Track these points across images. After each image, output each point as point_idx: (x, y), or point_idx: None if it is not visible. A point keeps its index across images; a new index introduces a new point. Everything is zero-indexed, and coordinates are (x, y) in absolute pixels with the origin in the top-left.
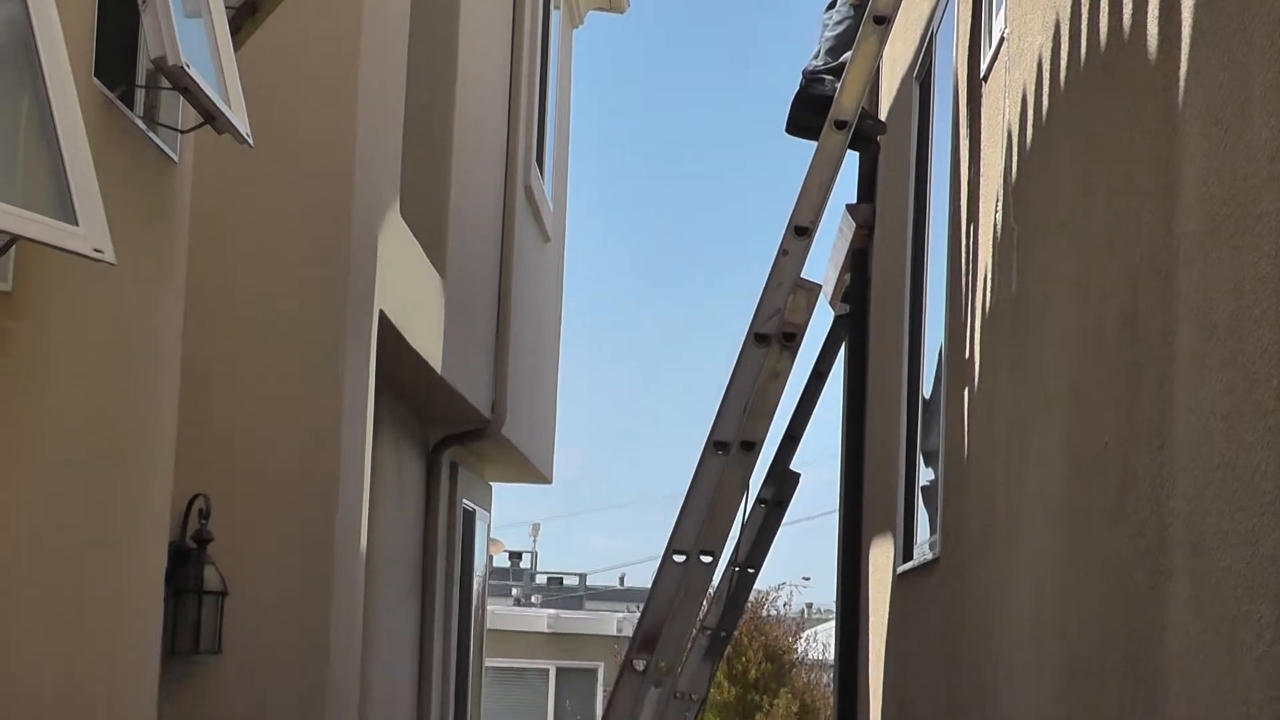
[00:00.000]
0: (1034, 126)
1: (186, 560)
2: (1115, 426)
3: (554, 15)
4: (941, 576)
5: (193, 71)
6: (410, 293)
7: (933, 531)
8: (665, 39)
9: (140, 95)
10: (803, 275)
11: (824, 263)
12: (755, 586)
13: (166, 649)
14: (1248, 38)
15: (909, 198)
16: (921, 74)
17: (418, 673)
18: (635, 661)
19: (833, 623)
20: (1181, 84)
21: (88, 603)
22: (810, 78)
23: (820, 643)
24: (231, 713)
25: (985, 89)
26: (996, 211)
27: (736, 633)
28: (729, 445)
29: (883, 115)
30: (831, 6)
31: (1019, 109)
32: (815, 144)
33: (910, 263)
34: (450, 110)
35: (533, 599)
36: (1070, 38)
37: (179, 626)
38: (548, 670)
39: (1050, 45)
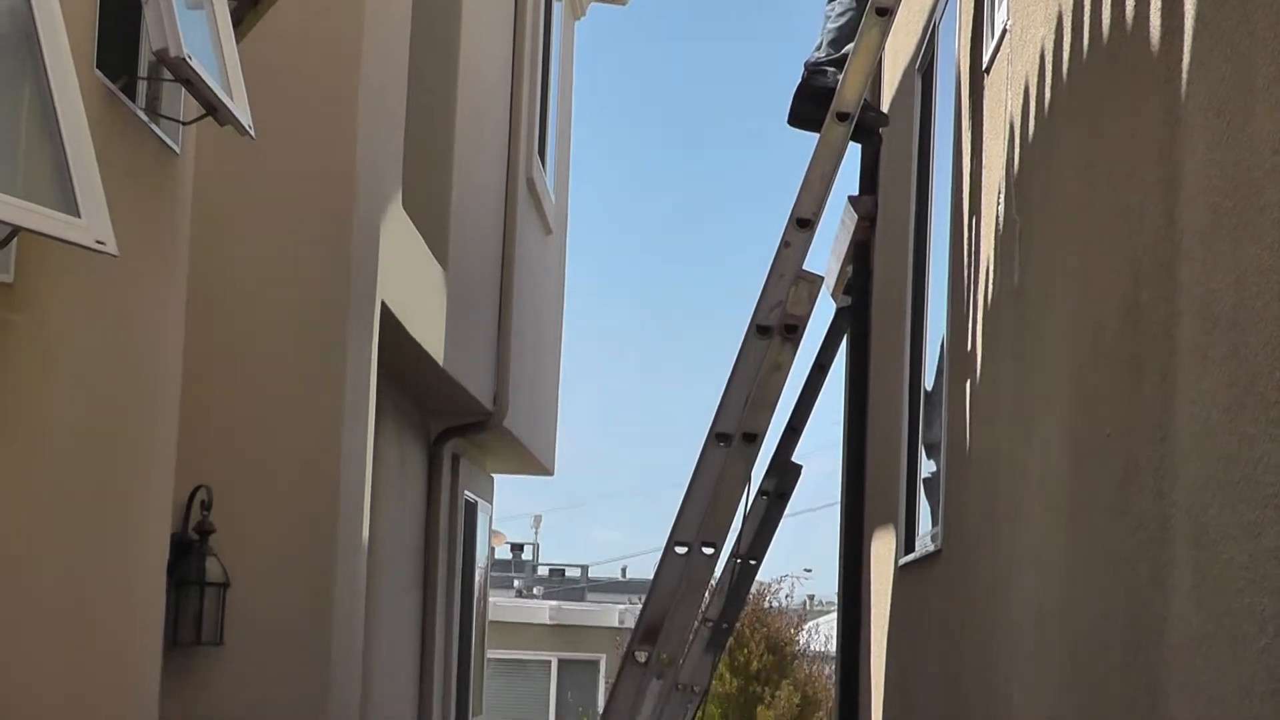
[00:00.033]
0: (1036, 118)
1: (188, 552)
2: (1117, 419)
3: (556, 7)
4: (943, 568)
5: (195, 63)
6: (412, 285)
7: (934, 523)
8: (667, 31)
9: (142, 87)
10: (805, 267)
11: (826, 255)
12: (757, 578)
13: (168, 640)
14: (1250, 30)
15: (911, 190)
16: (924, 66)
17: (419, 664)
18: (637, 653)
19: (834, 615)
20: (1184, 76)
21: (90, 594)
22: (812, 69)
23: (822, 635)
24: (233, 704)
25: (987, 81)
26: (998, 203)
27: (738, 625)
28: (731, 437)
29: (885, 107)
30: None
31: (1021, 101)
32: (817, 136)
33: (912, 255)
34: (452, 102)
35: (534, 591)
36: (1073, 30)
37: (181, 618)
38: (549, 662)
39: (1052, 37)
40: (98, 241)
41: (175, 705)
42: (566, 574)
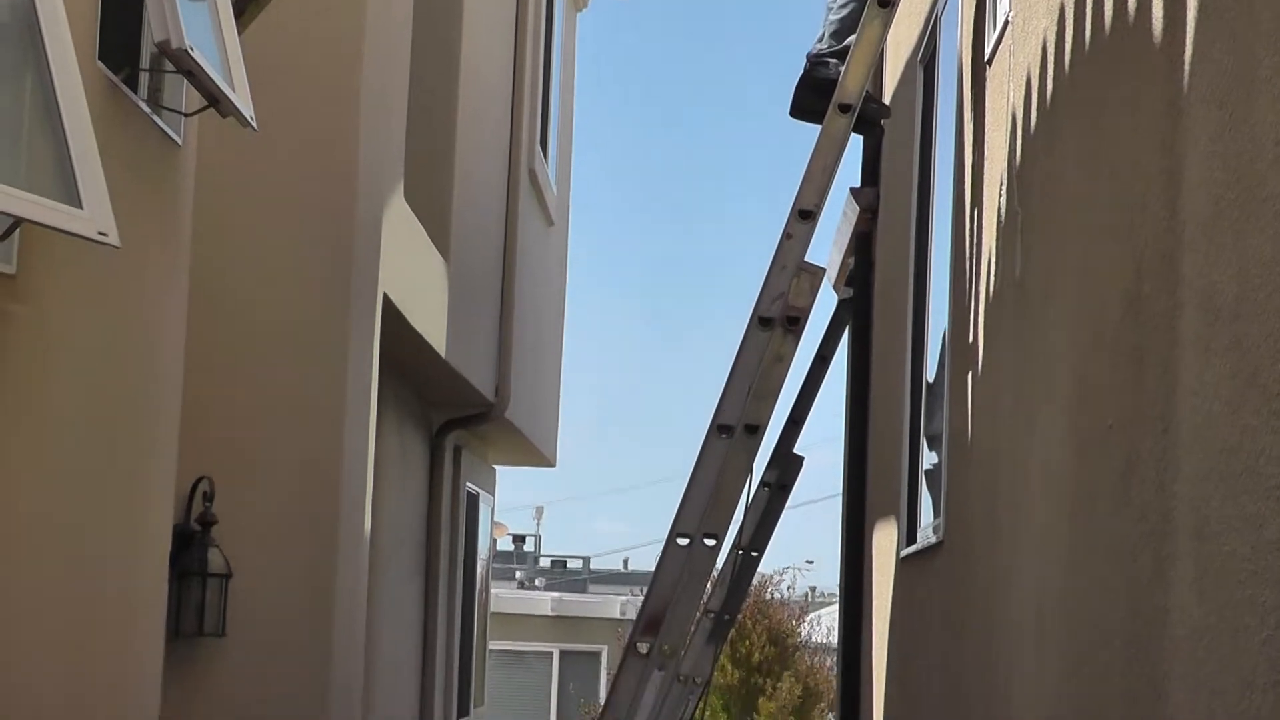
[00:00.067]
0: (1038, 110)
1: (191, 543)
2: (1119, 410)
3: None
4: (945, 560)
5: (196, 55)
6: (414, 276)
7: (936, 515)
8: (669, 23)
9: (144, 79)
10: (807, 259)
11: (828, 246)
12: (759, 570)
13: (171, 631)
14: (1253, 21)
15: (913, 181)
16: (926, 57)
17: (421, 655)
18: (639, 644)
19: (836, 606)
20: (1186, 67)
21: (92, 586)
22: (815, 61)
23: (824, 626)
24: (236, 695)
25: (989, 72)
26: (1000, 195)
27: (740, 616)
28: (733, 429)
29: (887, 99)
30: None
31: (1023, 93)
32: (819, 127)
33: (914, 247)
34: (454, 94)
35: (536, 582)
36: (1075, 21)
37: (183, 609)
38: (551, 653)
39: (1055, 29)
40: (100, 233)
41: (177, 696)
42: (568, 565)
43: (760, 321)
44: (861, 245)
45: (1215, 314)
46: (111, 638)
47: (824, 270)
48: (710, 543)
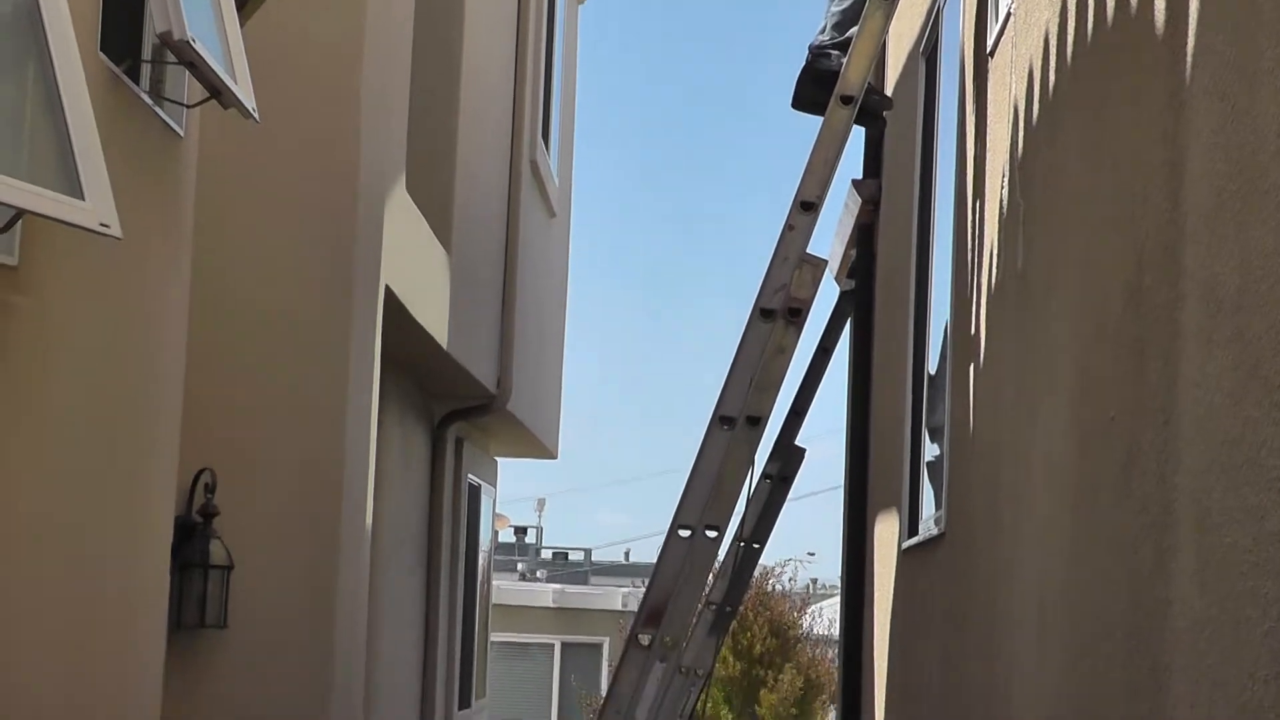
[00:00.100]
0: (1040, 102)
1: (192, 534)
2: (1120, 402)
3: None
4: (946, 552)
5: (198, 46)
6: (416, 268)
7: (938, 507)
8: (671, 14)
9: (146, 70)
10: (808, 250)
11: (830, 238)
12: (760, 562)
13: (172, 623)
14: (1255, 12)
15: (915, 173)
16: (928, 49)
17: (423, 647)
18: (640, 636)
19: (837, 598)
20: (1188, 59)
21: (94, 577)
22: (816, 53)
23: (825, 618)
24: (237, 686)
25: (992, 64)
26: (1002, 187)
27: (741, 608)
28: (734, 420)
29: (889, 91)
30: None
31: (1025, 84)
32: (821, 119)
33: (916, 238)
34: (456, 86)
35: (538, 574)
36: (1077, 13)
37: (185, 600)
38: (553, 645)
39: (1057, 21)
40: (102, 224)
41: (179, 688)
42: (570, 557)
43: (762, 313)
44: (863, 237)
45: (1217, 306)
46: (113, 629)
47: (826, 262)
48: (712, 535)
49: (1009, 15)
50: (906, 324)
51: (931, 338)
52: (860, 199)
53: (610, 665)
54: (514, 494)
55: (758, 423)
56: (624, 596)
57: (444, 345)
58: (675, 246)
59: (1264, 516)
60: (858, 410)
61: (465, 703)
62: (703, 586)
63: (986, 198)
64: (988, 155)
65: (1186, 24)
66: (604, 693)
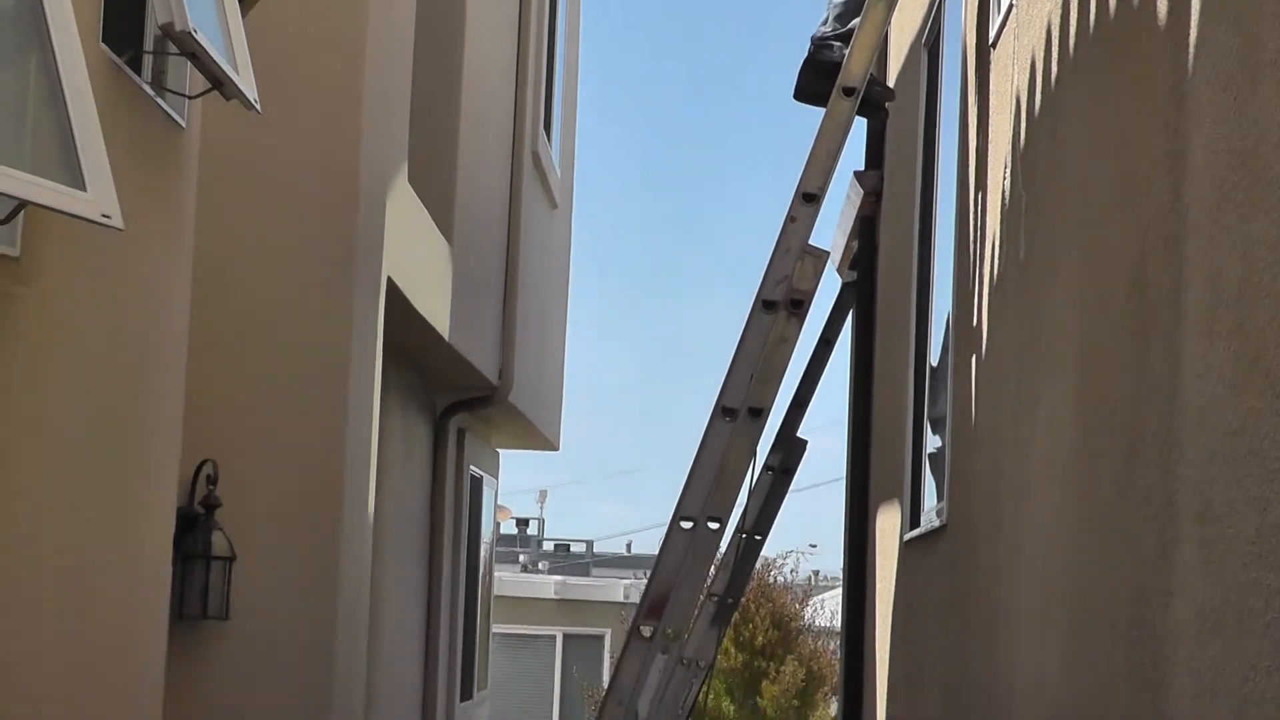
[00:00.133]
0: (1042, 93)
1: (194, 526)
2: (1123, 393)
3: None
4: (948, 543)
5: (200, 37)
6: (418, 259)
7: (940, 498)
8: (673, 5)
9: (148, 61)
10: (810, 242)
11: (832, 230)
12: (762, 554)
13: (174, 614)
14: (1257, 4)
15: (917, 164)
16: (930, 41)
17: (424, 639)
18: (642, 628)
19: (839, 590)
20: (1191, 50)
21: (96, 568)
22: (819, 44)
23: (827, 610)
24: (239, 678)
25: (994, 55)
26: (1005, 178)
27: (743, 600)
28: (736, 412)
29: (891, 82)
30: None
31: (1028, 76)
32: (823, 111)
33: (918, 229)
34: (458, 76)
35: (540, 566)
36: (1079, 4)
37: (187, 592)
38: (555, 637)
39: (1059, 12)
40: (103, 215)
41: (181, 679)
42: (572, 549)
43: (764, 305)
44: (865, 228)
45: (1219, 297)
46: (115, 620)
47: (828, 253)
48: (714, 526)
49: (1011, 6)
50: (908, 316)
51: (933, 329)
52: (862, 190)
53: (612, 657)
54: (516, 486)
55: (759, 414)
56: (626, 588)
57: (446, 336)
58: (677, 237)
59: (1266, 508)
60: (859, 402)
61: (467, 694)
62: (704, 578)
63: (988, 189)
64: (990, 146)
65: (1188, 15)
66: (606, 684)
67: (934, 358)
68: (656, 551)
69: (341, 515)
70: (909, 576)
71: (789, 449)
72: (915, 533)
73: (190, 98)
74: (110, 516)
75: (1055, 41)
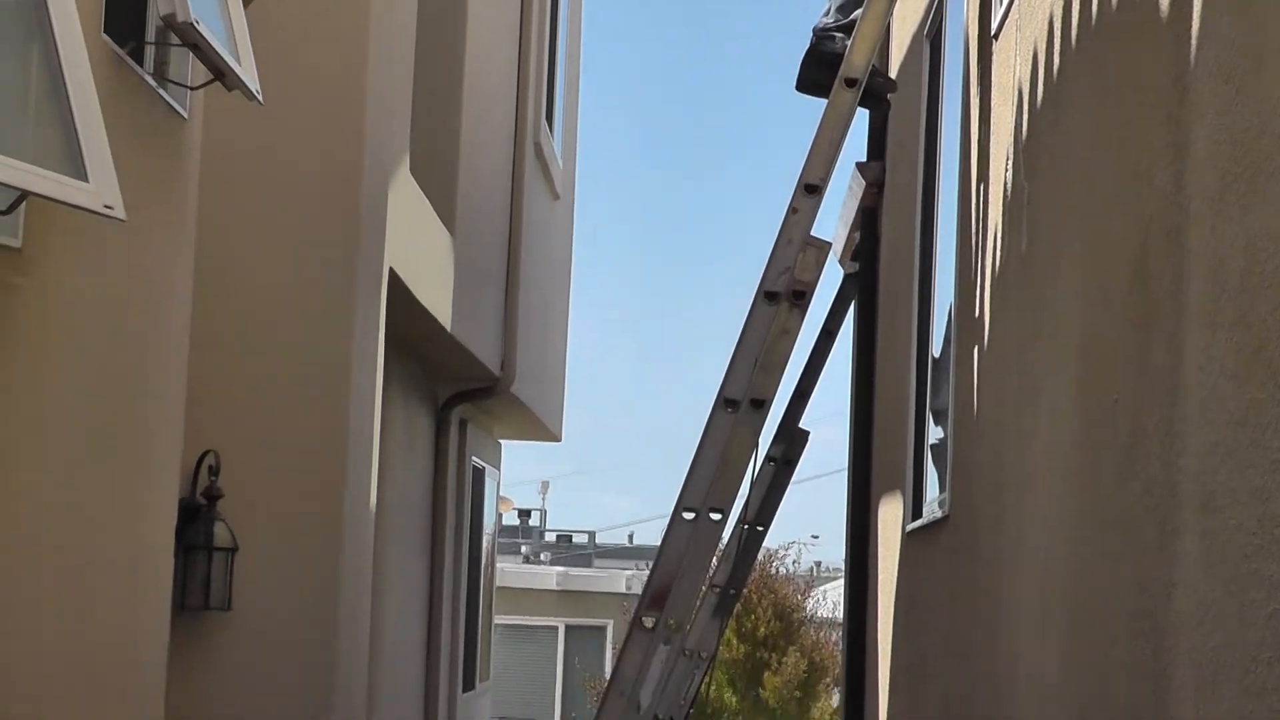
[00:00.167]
0: (1044, 84)
1: (196, 516)
2: (1125, 384)
3: None
4: (951, 535)
5: (202, 28)
6: (420, 250)
7: (942, 489)
8: None
9: (150, 52)
10: (813, 233)
11: (834, 221)
12: (764, 544)
13: (177, 605)
14: None
15: (919, 156)
16: (932, 31)
17: (427, 629)
18: (644, 619)
19: (841, 581)
20: (1193, 41)
21: (97, 559)
22: (821, 35)
23: (829, 601)
24: (241, 669)
25: (996, 46)
26: (1007, 169)
27: (745, 590)
28: (738, 403)
29: (893, 73)
30: None
31: (1030, 67)
32: (825, 102)
33: (920, 221)
34: (460, 67)
35: (542, 557)
36: None
37: (189, 582)
38: (557, 628)
39: (1061, 3)
40: (106, 206)
41: (183, 669)
42: (574, 540)
43: (766, 296)
44: (867, 220)
45: (1221, 288)
46: (117, 611)
47: (830, 244)
48: (716, 517)
49: None
50: (910, 307)
51: (935, 320)
52: (864, 181)
53: (614, 648)
54: (518, 477)
55: (762, 405)
56: (628, 579)
57: (448, 327)
58: (679, 228)
59: (1268, 498)
60: (862, 393)
61: (469, 685)
62: (706, 569)
63: (990, 180)
64: (992, 138)
65: (1191, 6)
66: (608, 675)
67: (936, 349)
68: (658, 543)
69: (343, 506)
70: (911, 567)
71: (791, 440)
72: (917, 524)
73: (192, 89)
74: (111, 510)
75: (1057, 32)
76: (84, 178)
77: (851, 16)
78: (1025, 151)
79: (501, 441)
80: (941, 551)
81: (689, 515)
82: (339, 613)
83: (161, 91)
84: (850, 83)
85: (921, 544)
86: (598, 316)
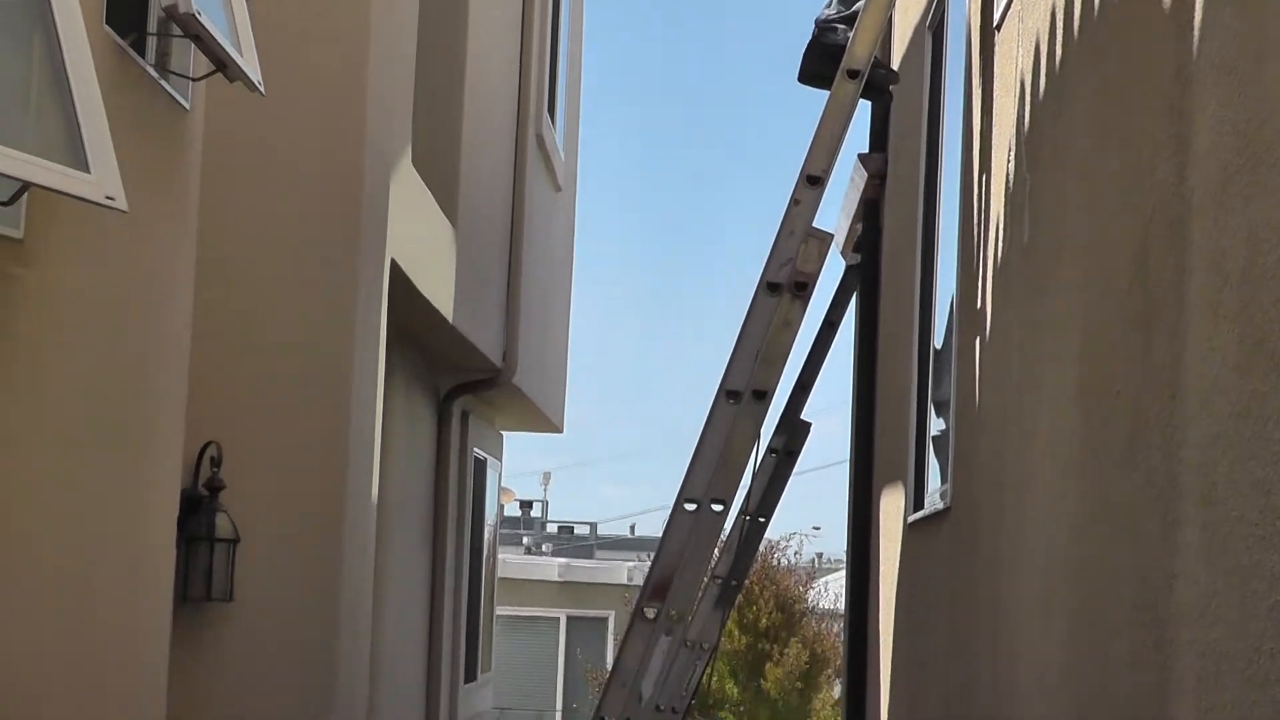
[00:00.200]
0: (1047, 76)
1: (198, 508)
2: (1127, 376)
3: None
4: (952, 526)
5: (204, 19)
6: (422, 241)
7: (944, 481)
8: None
9: (152, 43)
10: (815, 224)
11: (836, 212)
12: (766, 536)
13: (178, 596)
14: None
15: (921, 147)
16: (934, 23)
17: (428, 620)
18: (646, 610)
19: (843, 572)
20: (1196, 33)
21: (99, 551)
22: (823, 27)
23: (831, 592)
24: (243, 660)
25: (998, 38)
26: (1009, 161)
27: (747, 582)
28: (740, 394)
29: (895, 64)
30: None
31: (1032, 59)
32: (828, 93)
33: (922, 212)
34: (462, 58)
35: (543, 548)
36: None
37: (191, 574)
38: (558, 619)
39: None
40: (107, 197)
41: (185, 660)
42: (575, 531)
43: (768, 287)
44: (869, 211)
45: (1224, 279)
46: (119, 602)
47: (832, 236)
48: (717, 508)
49: None
50: (912, 298)
51: (937, 312)
52: (866, 173)
53: (616, 639)
54: (519, 468)
55: (763, 397)
56: (629, 570)
57: (449, 319)
58: (681, 220)
59: (1270, 490)
60: (863, 385)
61: (471, 676)
62: (708, 560)
63: (992, 172)
64: (994, 130)
65: None
66: (609, 666)
67: (938, 340)
68: (660, 534)
69: (345, 498)
70: (913, 559)
71: (793, 431)
72: (919, 515)
73: (194, 80)
74: (114, 498)
75: (1060, 24)
76: (86, 169)
77: (854, 8)
78: (1027, 143)
79: (503, 432)
80: (943, 543)
81: (691, 506)
82: (341, 604)
83: (163, 83)
84: (852, 74)
85: (923, 535)
86: (599, 308)
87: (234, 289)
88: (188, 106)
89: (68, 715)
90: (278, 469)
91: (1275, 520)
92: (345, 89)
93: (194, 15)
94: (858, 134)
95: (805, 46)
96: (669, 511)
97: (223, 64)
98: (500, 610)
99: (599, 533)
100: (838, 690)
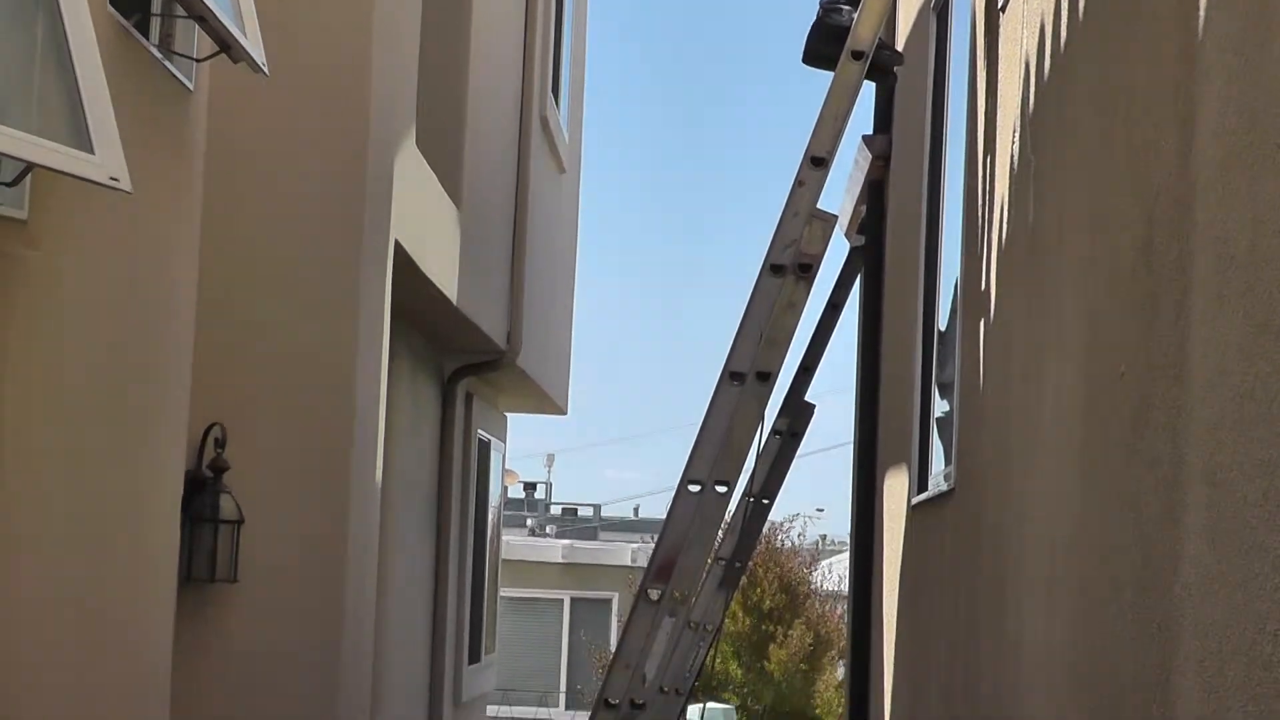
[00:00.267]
0: (1052, 57)
1: (203, 489)
2: (1131, 357)
3: None
4: (956, 508)
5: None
6: (426, 223)
7: (948, 463)
8: None
9: (156, 24)
10: (819, 206)
11: (840, 194)
12: (770, 517)
13: (183, 577)
14: None
15: (926, 129)
16: (939, 4)
17: (433, 602)
18: (650, 591)
19: (847, 554)
20: (1201, 14)
21: (104, 532)
22: (828, 8)
23: (834, 574)
24: (247, 641)
25: (1003, 20)
26: (1013, 143)
27: (751, 563)
28: (744, 376)
29: (900, 46)
30: None
31: (1037, 40)
32: (832, 74)
33: (926, 194)
34: (466, 40)
35: (547, 530)
36: None
37: (195, 555)
38: (562, 600)
39: None
40: (111, 178)
41: (189, 642)
42: (579, 513)
43: (772, 269)
44: (874, 193)
45: (1228, 260)
46: (123, 583)
47: (836, 217)
48: (721, 490)
49: None
50: (917, 280)
51: (941, 294)
52: (871, 155)
53: (619, 620)
54: (523, 450)
55: (767, 378)
56: (633, 552)
57: (454, 300)
58: (685, 201)
59: (1274, 471)
60: (867, 366)
61: (475, 657)
62: (712, 542)
63: (997, 153)
64: (998, 111)
65: None
66: (613, 648)
67: (942, 322)
68: (664, 515)
69: (349, 479)
70: (917, 540)
71: (797, 413)
72: (923, 496)
73: (198, 60)
74: (118, 479)
75: (1064, 5)
76: (89, 150)
77: None
78: (1032, 124)
79: (507, 414)
80: (947, 524)
81: (695, 488)
82: (345, 585)
83: (167, 63)
84: (857, 55)
85: (927, 517)
86: (604, 289)
87: (238, 270)
88: (191, 87)
89: (72, 692)
90: (282, 450)
91: (1279, 501)
92: (349, 70)
93: None
94: (862, 115)
95: (810, 27)
96: (673, 493)
97: (226, 45)
98: (504, 592)
99: (603, 514)
100: (841, 671)
